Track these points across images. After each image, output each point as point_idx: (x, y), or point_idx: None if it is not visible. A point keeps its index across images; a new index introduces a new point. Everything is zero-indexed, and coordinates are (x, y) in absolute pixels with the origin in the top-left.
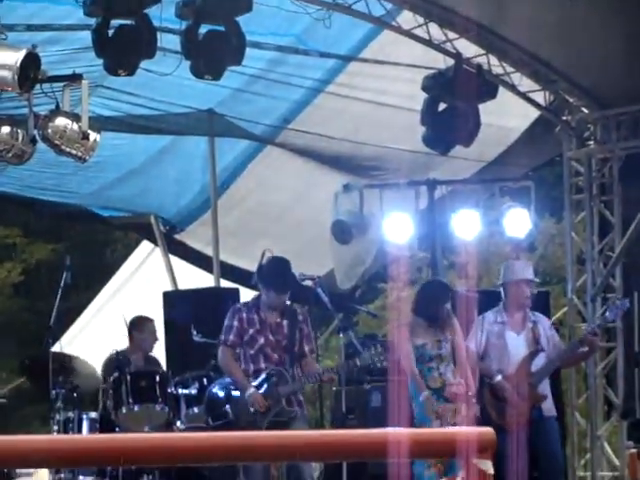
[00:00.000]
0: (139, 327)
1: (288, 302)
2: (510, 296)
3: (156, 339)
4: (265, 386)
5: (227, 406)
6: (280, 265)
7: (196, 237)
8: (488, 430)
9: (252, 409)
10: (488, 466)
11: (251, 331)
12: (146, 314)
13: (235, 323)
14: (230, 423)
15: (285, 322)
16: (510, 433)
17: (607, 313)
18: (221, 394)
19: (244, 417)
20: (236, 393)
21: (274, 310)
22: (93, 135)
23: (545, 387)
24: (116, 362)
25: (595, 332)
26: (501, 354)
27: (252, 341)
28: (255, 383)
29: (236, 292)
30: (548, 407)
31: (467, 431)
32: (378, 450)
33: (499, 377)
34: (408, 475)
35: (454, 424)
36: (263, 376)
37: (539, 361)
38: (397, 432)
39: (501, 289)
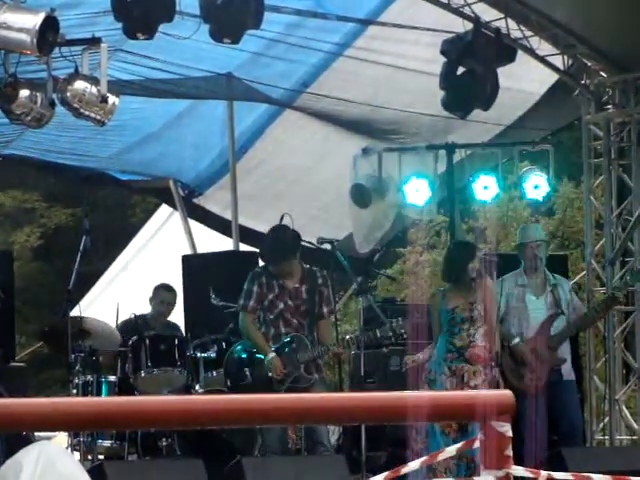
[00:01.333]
0: (155, 296)
1: (307, 266)
2: (525, 258)
3: (170, 308)
4: (285, 352)
5: (246, 370)
6: (271, 236)
7: (215, 201)
8: (507, 393)
9: (270, 374)
10: (507, 429)
11: (270, 296)
12: (169, 282)
13: (255, 288)
14: (249, 386)
15: (304, 287)
16: (529, 396)
17: (628, 278)
18: (241, 357)
19: (263, 381)
20: (256, 357)
21: (291, 275)
22: (112, 99)
23: (565, 350)
24: (135, 325)
25: (615, 297)
26: (521, 317)
27: (271, 306)
28: (275, 348)
29: (255, 256)
30: (567, 370)
31: (486, 394)
32: (397, 413)
33: (517, 340)
34: (424, 440)
35: (475, 386)
36: (283, 341)
37: (559, 324)
38: (416, 395)
39: (518, 252)
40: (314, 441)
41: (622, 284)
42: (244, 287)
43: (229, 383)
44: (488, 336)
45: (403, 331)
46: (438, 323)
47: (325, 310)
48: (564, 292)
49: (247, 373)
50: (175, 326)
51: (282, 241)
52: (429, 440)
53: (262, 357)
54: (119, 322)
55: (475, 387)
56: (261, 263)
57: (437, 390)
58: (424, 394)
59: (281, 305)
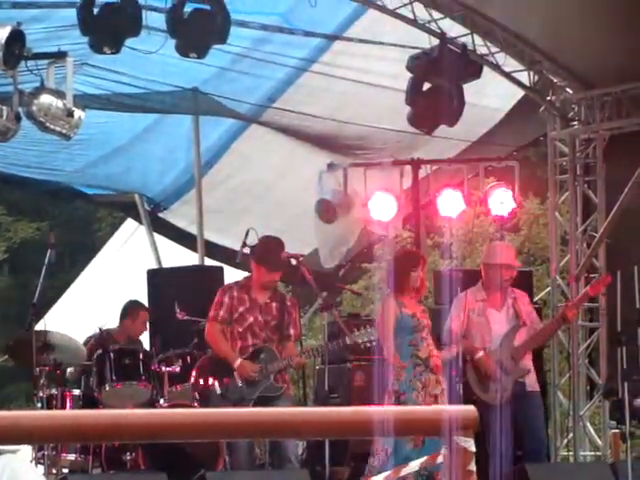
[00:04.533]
0: (133, 316)
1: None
2: (489, 277)
3: (145, 328)
4: (254, 361)
5: (216, 383)
6: (273, 244)
7: (180, 215)
8: (470, 408)
9: (240, 382)
10: (470, 444)
11: (241, 309)
12: (134, 296)
13: (226, 300)
14: (218, 400)
15: (274, 304)
16: (494, 409)
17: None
18: (209, 373)
19: (232, 395)
20: (225, 369)
21: (264, 290)
22: (78, 112)
23: (528, 361)
24: (100, 340)
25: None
26: (483, 331)
27: (241, 319)
28: (245, 357)
29: (220, 270)
30: (531, 382)
31: (450, 409)
32: (361, 428)
33: (481, 354)
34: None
35: (435, 396)
36: (252, 351)
37: (521, 336)
38: (381, 410)
39: (482, 268)
40: (281, 457)
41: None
42: (215, 299)
43: (197, 397)
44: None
45: (372, 338)
46: (393, 328)
47: (292, 332)
48: (523, 304)
49: (216, 387)
50: (138, 341)
51: (282, 253)
52: (396, 449)
53: (227, 374)
54: (85, 337)
55: (436, 397)
56: (228, 279)
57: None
58: (389, 409)
59: (250, 319)
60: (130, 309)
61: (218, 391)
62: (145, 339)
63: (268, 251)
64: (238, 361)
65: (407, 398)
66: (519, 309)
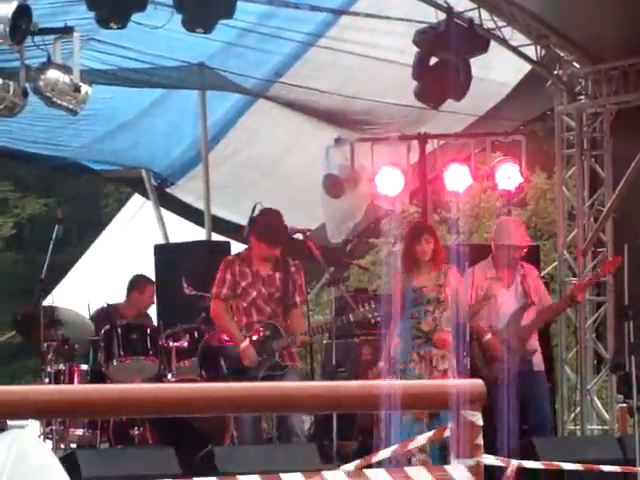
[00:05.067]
0: (140, 288)
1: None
2: (499, 256)
3: (152, 302)
4: (259, 340)
5: (221, 360)
6: (273, 217)
7: (187, 191)
8: (478, 382)
9: (245, 363)
10: (477, 418)
11: (243, 284)
12: (141, 271)
13: (228, 276)
14: (224, 377)
15: (277, 275)
16: (500, 386)
17: (599, 268)
18: (215, 348)
19: (238, 371)
20: (230, 347)
21: (266, 261)
22: (85, 88)
23: (534, 341)
24: (107, 315)
25: (583, 286)
26: (490, 310)
27: (244, 294)
28: (250, 335)
29: (227, 245)
30: (537, 362)
31: (457, 383)
32: (369, 402)
33: (489, 336)
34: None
35: (444, 370)
36: (257, 329)
37: (529, 315)
38: (389, 384)
39: (492, 245)
40: (288, 431)
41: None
42: (217, 275)
43: (204, 374)
44: (452, 322)
45: (377, 314)
46: (400, 304)
47: (298, 299)
48: (532, 279)
49: (222, 363)
50: (147, 315)
51: (282, 226)
52: (399, 427)
53: (232, 349)
54: (92, 312)
55: (444, 372)
56: (235, 250)
57: (409, 379)
58: (396, 383)
59: (254, 293)
60: (137, 283)
61: (225, 370)
62: (153, 313)
63: (268, 226)
64: (243, 344)
65: (405, 368)
66: (528, 286)
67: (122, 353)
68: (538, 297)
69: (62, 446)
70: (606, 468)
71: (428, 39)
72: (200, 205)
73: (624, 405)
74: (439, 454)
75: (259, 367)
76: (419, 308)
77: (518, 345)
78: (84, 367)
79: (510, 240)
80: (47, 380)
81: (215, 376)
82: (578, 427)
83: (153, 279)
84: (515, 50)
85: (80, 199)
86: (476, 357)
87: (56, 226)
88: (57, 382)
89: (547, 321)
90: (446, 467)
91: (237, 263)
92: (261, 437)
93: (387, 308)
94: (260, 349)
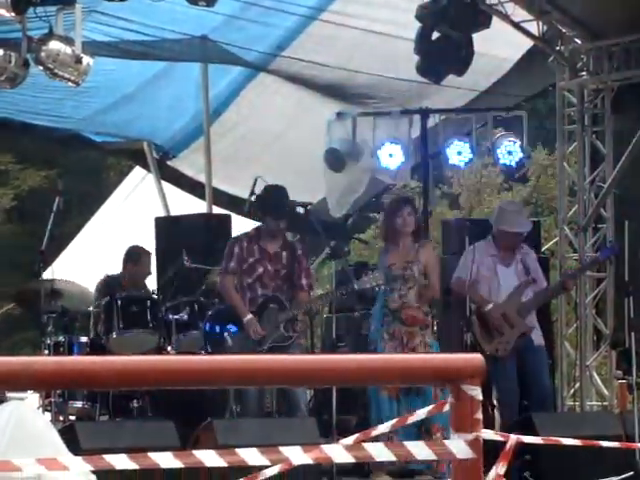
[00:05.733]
0: (134, 259)
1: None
2: (500, 240)
3: (149, 272)
4: (263, 312)
5: (225, 334)
6: (277, 192)
7: (189, 163)
8: (477, 357)
9: (250, 335)
10: (477, 392)
11: (250, 260)
12: (142, 244)
13: (236, 250)
14: (228, 350)
15: (284, 253)
16: (499, 361)
17: (599, 254)
18: (219, 321)
19: (242, 344)
20: (234, 321)
21: (274, 239)
22: (86, 59)
23: (532, 319)
24: (107, 287)
25: (575, 275)
26: (491, 286)
27: (251, 270)
28: (254, 309)
29: (228, 218)
30: (538, 336)
31: (457, 357)
32: (369, 376)
33: (490, 306)
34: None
35: (413, 348)
36: (261, 302)
37: (529, 292)
38: (388, 357)
39: (493, 227)
40: (292, 404)
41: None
42: (225, 250)
43: (209, 348)
44: (421, 297)
45: (381, 282)
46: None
47: (304, 282)
48: (531, 261)
49: (226, 337)
50: (144, 285)
51: (286, 200)
52: (375, 406)
53: (237, 323)
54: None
55: (414, 349)
56: (236, 227)
57: None
58: (396, 356)
59: (260, 269)
60: (130, 253)
61: (229, 342)
62: (153, 286)
63: (272, 199)
64: (248, 317)
65: (376, 346)
66: (528, 265)
67: (122, 325)
68: (536, 278)
69: (61, 418)
70: (605, 444)
71: (430, 14)
72: (201, 178)
73: (623, 381)
74: (416, 432)
75: (264, 339)
76: (389, 286)
77: (517, 320)
78: (83, 339)
79: (511, 228)
80: (46, 352)
81: (220, 349)
82: (577, 403)
83: (153, 251)
84: (517, 26)
85: (81, 171)
86: (476, 331)
87: (57, 198)
88: (56, 354)
89: (543, 303)
90: (445, 442)
91: (245, 240)
92: (263, 410)
93: None
94: (264, 321)
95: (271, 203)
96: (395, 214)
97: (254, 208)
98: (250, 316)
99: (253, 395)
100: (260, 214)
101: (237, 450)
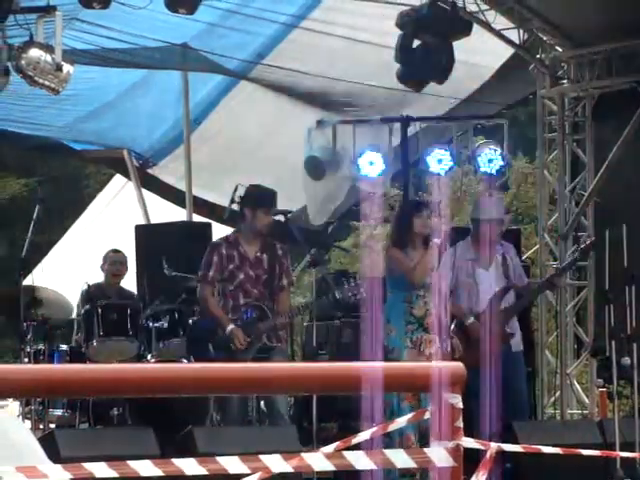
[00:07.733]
0: (105, 259)
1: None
2: (480, 233)
3: (124, 269)
4: (246, 322)
5: (209, 344)
6: (263, 187)
7: (169, 171)
8: (458, 365)
9: (233, 346)
10: (457, 400)
11: (230, 267)
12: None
13: (215, 258)
14: (212, 359)
15: (265, 256)
16: (480, 369)
17: (577, 254)
18: (202, 332)
19: (226, 354)
20: (218, 330)
21: (254, 241)
22: (67, 67)
23: (514, 324)
24: (87, 295)
25: (560, 273)
26: (470, 292)
27: (231, 277)
28: (236, 317)
29: (208, 226)
30: (516, 342)
31: (439, 365)
32: (350, 384)
33: (472, 319)
34: (381, 407)
35: (429, 355)
36: (243, 311)
37: (509, 298)
38: (369, 366)
39: (471, 224)
40: (274, 412)
41: (561, 269)
42: (203, 258)
43: (192, 359)
44: (439, 304)
45: (362, 290)
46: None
47: (285, 282)
48: (511, 257)
49: (210, 348)
50: (131, 295)
51: (269, 190)
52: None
53: (220, 333)
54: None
55: (429, 356)
56: (216, 235)
57: None
58: (378, 365)
59: (241, 276)
60: (105, 257)
61: (212, 353)
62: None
63: (261, 192)
64: (230, 327)
65: (398, 356)
66: (507, 266)
67: (102, 333)
68: (515, 276)
69: (41, 426)
70: (586, 452)
71: (411, 22)
72: (181, 186)
73: (604, 390)
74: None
75: (248, 349)
76: (410, 292)
77: (497, 328)
78: (64, 347)
79: (490, 215)
80: (26, 360)
81: (203, 359)
82: (558, 411)
83: (133, 259)
84: (498, 34)
85: (61, 179)
86: (457, 341)
87: (37, 206)
88: (36, 362)
89: (527, 305)
90: (425, 450)
91: (224, 246)
92: (244, 419)
93: (370, 289)
94: (247, 331)
95: (261, 195)
96: (413, 215)
97: (242, 207)
98: (232, 326)
99: (234, 403)
100: (249, 211)
101: (217, 458)
